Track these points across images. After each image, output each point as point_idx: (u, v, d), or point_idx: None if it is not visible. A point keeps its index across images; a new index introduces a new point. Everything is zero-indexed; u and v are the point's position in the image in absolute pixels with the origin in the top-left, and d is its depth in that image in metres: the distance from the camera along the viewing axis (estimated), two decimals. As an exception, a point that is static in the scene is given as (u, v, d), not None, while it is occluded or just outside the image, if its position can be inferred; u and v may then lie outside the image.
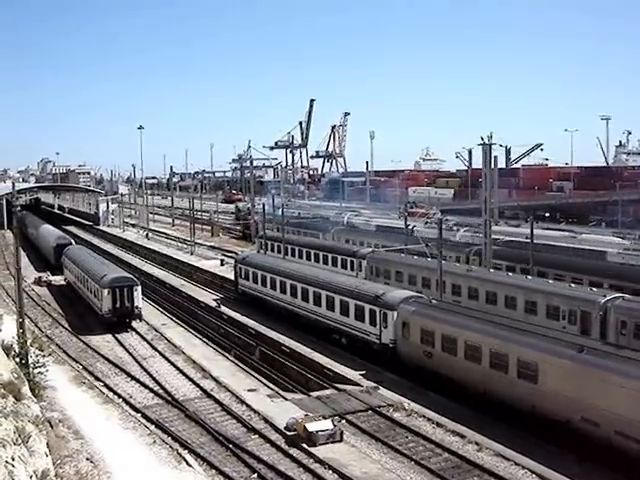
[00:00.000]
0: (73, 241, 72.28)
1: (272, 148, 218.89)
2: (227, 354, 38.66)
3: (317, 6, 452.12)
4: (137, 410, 28.59)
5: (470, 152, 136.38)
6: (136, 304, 44.34)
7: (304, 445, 24.18)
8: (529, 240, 45.33)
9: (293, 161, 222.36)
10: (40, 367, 26.46)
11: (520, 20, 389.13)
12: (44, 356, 27.31)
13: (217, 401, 29.74)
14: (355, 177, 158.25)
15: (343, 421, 26.73)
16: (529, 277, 38.64)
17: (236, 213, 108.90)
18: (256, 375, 34.33)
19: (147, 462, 22.44)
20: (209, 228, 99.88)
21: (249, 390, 31.12)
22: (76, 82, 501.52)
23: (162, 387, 32.11)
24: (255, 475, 22.44)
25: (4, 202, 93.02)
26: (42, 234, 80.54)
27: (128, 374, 34.37)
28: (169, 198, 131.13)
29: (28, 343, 27.09)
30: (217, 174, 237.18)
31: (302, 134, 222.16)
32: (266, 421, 26.87)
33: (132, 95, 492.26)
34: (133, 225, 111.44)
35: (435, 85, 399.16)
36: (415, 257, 46.98)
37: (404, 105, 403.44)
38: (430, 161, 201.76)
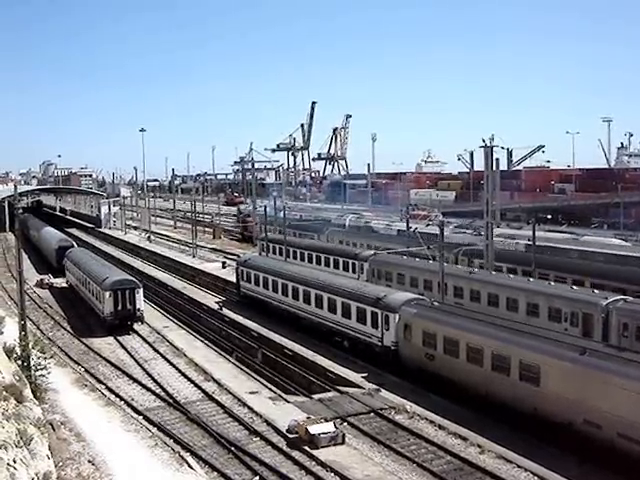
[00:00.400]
0: (75, 244, 72.33)
1: (274, 150, 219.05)
2: (229, 357, 38.65)
3: (319, 9, 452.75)
4: (139, 412, 28.59)
5: (472, 154, 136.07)
6: (138, 307, 44.32)
7: (306, 448, 24.16)
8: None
9: (295, 163, 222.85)
10: (42, 370, 26.46)
11: (521, 22, 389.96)
12: (46, 358, 27.30)
13: (219, 404, 29.72)
14: (357, 179, 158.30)
15: (345, 424, 26.70)
16: (531, 279, 38.60)
17: (238, 216, 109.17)
18: (258, 378, 34.31)
19: (149, 464, 22.41)
20: (211, 231, 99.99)
21: (251, 393, 31.11)
22: (78, 85, 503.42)
23: (164, 390, 32.10)
24: (257, 478, 22.41)
25: (6, 204, 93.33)
26: (44, 236, 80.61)
27: (130, 377, 34.37)
28: (171, 200, 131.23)
29: (30, 345, 27.09)
30: (219, 176, 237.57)
31: (304, 136, 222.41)
32: (268, 424, 26.85)
33: (134, 98, 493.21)
34: (135, 228, 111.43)
35: (437, 87, 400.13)
36: (417, 259, 47.00)
37: (406, 107, 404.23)
38: (432, 163, 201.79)
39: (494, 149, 48.29)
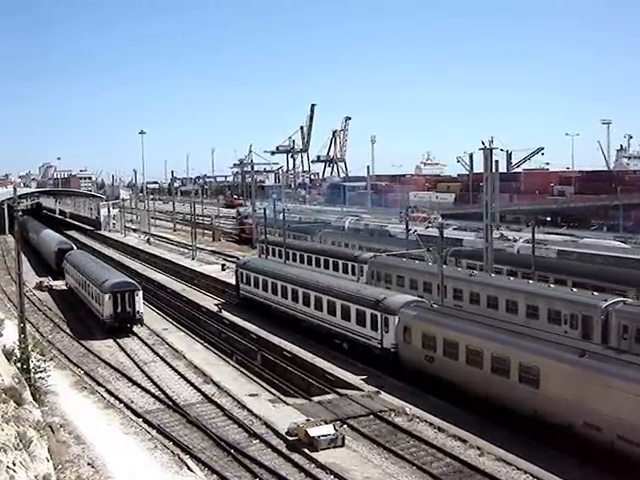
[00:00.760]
0: (74, 246, 72.32)
1: (273, 153, 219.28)
2: (229, 359, 38.64)
3: (319, 15, 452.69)
4: (138, 415, 28.57)
5: (471, 156, 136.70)
6: (137, 309, 44.29)
7: (305, 450, 24.14)
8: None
9: (294, 166, 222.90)
10: (41, 372, 26.45)
11: (520, 27, 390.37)
12: (45, 361, 27.28)
13: (218, 406, 29.70)
14: (356, 182, 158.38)
15: (345, 426, 26.69)
16: (530, 281, 38.61)
17: (237, 218, 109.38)
18: (257, 380, 34.32)
19: (148, 467, 22.40)
20: (210, 233, 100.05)
21: (250, 395, 31.10)
22: (77, 87, 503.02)
23: (163, 392, 32.08)
24: (256, 480, 22.43)
25: (5, 207, 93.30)
26: (43, 239, 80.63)
27: (129, 379, 34.36)
28: (170, 203, 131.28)
29: (29, 348, 27.07)
30: (218, 179, 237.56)
31: (303, 139, 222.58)
32: (267, 426, 26.84)
33: (133, 100, 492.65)
34: (134, 230, 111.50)
35: (436, 91, 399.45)
36: (416, 261, 47.02)
37: (405, 110, 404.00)
38: (431, 165, 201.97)
39: (493, 151, 48.26)
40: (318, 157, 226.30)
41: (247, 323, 44.59)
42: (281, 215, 66.80)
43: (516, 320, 32.92)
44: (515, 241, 54.86)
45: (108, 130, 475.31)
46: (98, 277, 47.49)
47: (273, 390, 32.51)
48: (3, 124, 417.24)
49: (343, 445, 24.52)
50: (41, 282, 62.96)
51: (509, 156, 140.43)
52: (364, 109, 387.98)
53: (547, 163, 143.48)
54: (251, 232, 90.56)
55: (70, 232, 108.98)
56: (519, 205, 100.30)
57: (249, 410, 28.86)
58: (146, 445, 24.40)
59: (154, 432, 26.18)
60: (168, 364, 37.05)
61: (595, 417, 22.27)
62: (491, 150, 47.74)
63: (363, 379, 32.20)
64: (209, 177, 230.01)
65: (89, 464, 21.64)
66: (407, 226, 58.99)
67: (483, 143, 47.63)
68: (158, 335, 43.85)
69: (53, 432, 22.93)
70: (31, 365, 26.23)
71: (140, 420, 27.75)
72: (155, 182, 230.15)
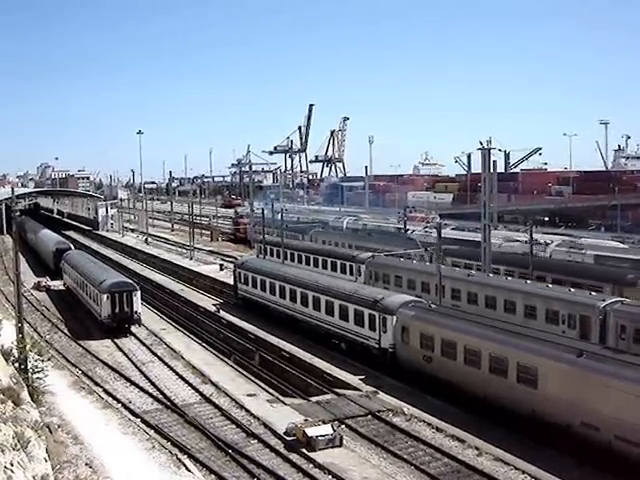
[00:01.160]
0: (72, 246, 72.27)
1: (271, 153, 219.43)
2: (227, 359, 38.63)
3: (317, 17, 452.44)
4: (136, 415, 28.55)
5: (469, 157, 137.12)
6: (135, 309, 44.26)
7: (304, 450, 24.13)
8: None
9: (292, 166, 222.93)
10: (39, 372, 26.45)
11: (518, 28, 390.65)
12: (43, 361, 27.29)
13: (216, 406, 29.69)
14: (354, 182, 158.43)
15: (343, 426, 26.68)
16: (528, 282, 38.64)
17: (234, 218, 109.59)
18: (256, 380, 34.31)
19: (146, 467, 22.39)
20: (208, 233, 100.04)
21: (248, 395, 31.10)
22: (75, 88, 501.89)
23: (161, 392, 32.06)
24: (254, 480, 22.43)
25: (3, 207, 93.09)
26: (41, 239, 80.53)
27: (127, 379, 34.34)
28: (168, 203, 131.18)
29: (27, 348, 27.07)
30: (216, 179, 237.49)
31: (301, 139, 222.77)
32: (266, 426, 26.83)
33: (131, 100, 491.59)
34: (132, 230, 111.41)
35: (434, 91, 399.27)
36: (414, 262, 47.05)
37: (403, 110, 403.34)
38: (429, 166, 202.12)
39: (491, 151, 48.25)
40: (316, 157, 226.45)
41: (245, 323, 44.57)
42: (278, 215, 66.88)
43: (514, 320, 32.94)
44: (547, 245, 52.22)
45: (106, 130, 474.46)
46: (96, 277, 47.45)
47: (271, 390, 32.51)
48: (1, 124, 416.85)
49: (341, 445, 24.52)
50: (39, 282, 62.87)
51: (507, 156, 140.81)
52: (362, 109, 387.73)
53: (545, 163, 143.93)
54: (246, 231, 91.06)
55: (68, 232, 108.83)
56: (517, 205, 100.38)
57: (247, 410, 28.85)
58: (144, 445, 24.39)
59: (152, 432, 26.16)
60: (166, 364, 37.03)
61: (593, 417, 22.29)
62: (489, 150, 47.72)
63: (361, 379, 32.20)
64: (207, 177, 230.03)
65: (87, 464, 21.63)
66: (405, 226, 59.00)
67: (481, 143, 47.64)
68: (156, 335, 43.82)
69: (51, 432, 22.92)
70: (29, 365, 26.23)
71: (138, 420, 27.72)
72: (153, 182, 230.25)
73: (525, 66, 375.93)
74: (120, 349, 40.51)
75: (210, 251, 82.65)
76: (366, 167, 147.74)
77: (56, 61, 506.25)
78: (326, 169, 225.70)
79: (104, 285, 44.51)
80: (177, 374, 35.05)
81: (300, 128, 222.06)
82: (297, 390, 32.71)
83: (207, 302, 53.08)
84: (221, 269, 65.45)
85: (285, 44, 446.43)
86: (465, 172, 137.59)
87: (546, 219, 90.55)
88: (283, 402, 30.17)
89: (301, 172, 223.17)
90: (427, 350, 30.34)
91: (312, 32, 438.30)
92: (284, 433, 25.63)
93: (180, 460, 23.10)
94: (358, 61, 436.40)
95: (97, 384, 33.22)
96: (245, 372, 35.81)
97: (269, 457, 24.10)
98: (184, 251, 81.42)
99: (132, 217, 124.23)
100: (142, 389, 32.68)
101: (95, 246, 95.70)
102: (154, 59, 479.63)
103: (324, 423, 25.63)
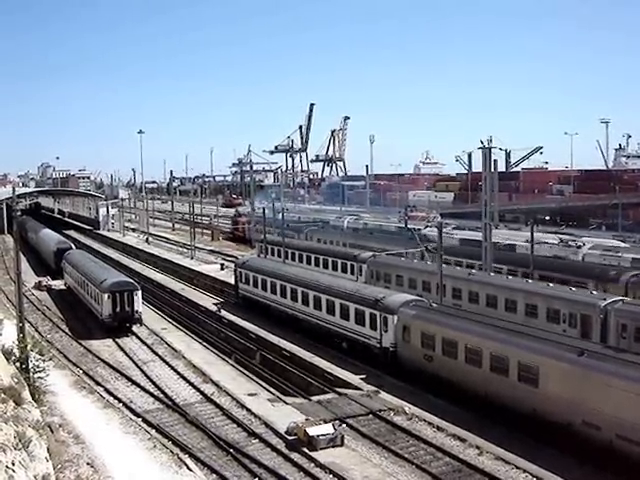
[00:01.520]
0: (73, 245, 72.27)
1: (272, 152, 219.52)
2: (227, 358, 38.62)
3: (319, 16, 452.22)
4: (138, 415, 28.56)
5: (470, 156, 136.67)
6: (136, 308, 44.27)
7: (305, 449, 24.14)
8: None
9: (293, 165, 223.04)
10: (40, 372, 26.38)
11: (519, 28, 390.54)
12: (44, 361, 27.21)
13: (218, 405, 29.70)
14: (355, 181, 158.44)
15: (344, 425, 26.68)
16: (529, 281, 38.64)
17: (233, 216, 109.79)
18: (257, 379, 34.31)
19: (148, 467, 22.39)
20: (209, 232, 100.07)
21: (250, 394, 31.09)
22: (76, 87, 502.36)
23: (162, 392, 32.07)
24: (256, 479, 22.41)
25: (4, 206, 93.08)
26: (42, 238, 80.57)
27: (128, 379, 34.35)
28: (169, 202, 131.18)
29: (28, 348, 27.00)
30: (217, 178, 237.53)
31: (302, 138, 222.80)
32: (267, 425, 26.84)
33: (132, 100, 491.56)
34: (133, 229, 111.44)
35: (434, 89, 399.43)
36: (415, 261, 47.03)
37: (404, 109, 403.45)
38: (430, 165, 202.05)
39: (492, 150, 48.24)
40: (317, 156, 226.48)
41: (246, 322, 44.58)
42: (279, 214, 66.88)
43: (515, 319, 32.94)
44: (579, 247, 50.03)
45: (107, 130, 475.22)
46: (97, 277, 47.47)
47: (272, 389, 32.50)
48: (2, 124, 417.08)
49: (342, 444, 24.52)
50: (40, 282, 62.90)
51: (508, 155, 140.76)
52: (363, 109, 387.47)
53: (546, 162, 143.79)
54: (244, 230, 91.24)
55: (69, 232, 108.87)
56: (518, 204, 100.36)
57: (248, 409, 28.86)
58: (145, 445, 24.39)
59: (153, 432, 26.18)
60: (167, 363, 37.04)
61: (594, 416, 22.28)
62: (490, 149, 47.71)
63: (362, 378, 32.20)
64: (208, 177, 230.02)
65: (88, 464, 21.61)
66: (406, 225, 59.00)
67: (482, 142, 47.65)
68: (157, 335, 43.84)
69: (52, 432, 22.90)
70: (30, 365, 26.17)
71: (139, 420, 27.75)
72: (154, 182, 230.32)
73: (525, 65, 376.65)
74: (121, 348, 40.52)
75: (211, 250, 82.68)
76: (367, 166, 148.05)
77: (55, 61, 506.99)
78: (327, 168, 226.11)
79: (105, 284, 44.52)
80: (178, 373, 35.06)
81: (301, 127, 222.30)
82: (298, 389, 32.71)
83: (208, 301, 53.09)
84: (222, 269, 65.47)
85: (285, 44, 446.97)
86: (466, 171, 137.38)
87: (547, 218, 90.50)
88: (284, 401, 30.18)
89: (302, 171, 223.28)
90: (428, 349, 30.34)
91: (312, 32, 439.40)
92: (285, 432, 25.64)
93: (181, 459, 23.11)
94: (358, 61, 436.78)
95: (98, 383, 33.24)
96: (246, 371, 35.79)
97: (270, 456, 24.11)
98: (185, 250, 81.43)
99: (133, 217, 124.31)
100: (143, 388, 32.69)
101: (96, 246, 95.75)
102: (155, 59, 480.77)
103: (325, 422, 25.65)
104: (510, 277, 40.86)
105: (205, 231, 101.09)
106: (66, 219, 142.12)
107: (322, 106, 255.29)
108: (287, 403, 29.84)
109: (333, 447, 24.23)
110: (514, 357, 25.76)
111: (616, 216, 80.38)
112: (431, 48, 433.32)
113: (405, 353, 32.06)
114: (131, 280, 48.07)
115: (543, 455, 22.76)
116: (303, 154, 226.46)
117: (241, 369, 36.22)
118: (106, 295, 43.59)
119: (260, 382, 33.76)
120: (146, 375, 34.95)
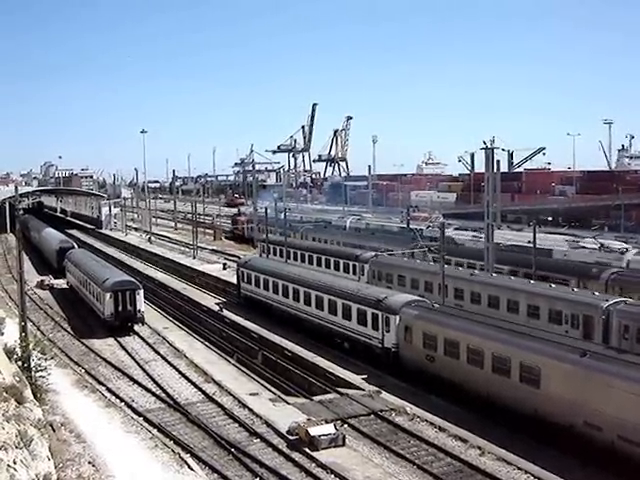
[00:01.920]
0: (75, 245, 72.35)
1: (274, 152, 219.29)
2: (229, 358, 38.64)
3: (321, 18, 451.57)
4: (139, 414, 28.57)
5: (472, 156, 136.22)
6: (138, 308, 44.28)
7: (306, 449, 24.13)
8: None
9: (295, 165, 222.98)
10: (42, 371, 26.39)
11: (520, 29, 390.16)
12: (46, 359, 27.21)
13: (219, 405, 29.71)
14: (357, 181, 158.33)
15: (345, 425, 26.68)
16: (532, 281, 38.60)
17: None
18: (258, 379, 34.32)
19: (149, 466, 22.39)
20: (211, 232, 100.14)
21: (251, 394, 31.09)
22: (78, 87, 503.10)
23: (164, 391, 32.09)
24: (257, 479, 22.42)
25: (7, 205, 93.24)
26: (45, 237, 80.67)
27: (130, 378, 34.37)
28: (171, 202, 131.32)
29: (30, 347, 27.01)
30: (219, 178, 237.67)
31: (305, 138, 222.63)
32: (268, 425, 26.83)
33: (135, 99, 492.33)
34: (136, 229, 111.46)
35: (437, 90, 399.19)
36: (417, 261, 47.01)
37: (406, 110, 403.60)
38: (432, 165, 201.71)
39: (495, 151, 48.31)
40: (319, 156, 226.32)
41: (248, 322, 44.59)
42: (281, 214, 66.92)
43: (517, 320, 32.91)
44: (622, 253, 47.16)
45: (110, 129, 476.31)
46: (99, 276, 47.50)
47: (274, 389, 32.51)
48: (4, 123, 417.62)
49: (344, 444, 24.51)
50: (42, 281, 62.98)
51: (510, 156, 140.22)
52: (365, 109, 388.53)
53: (548, 163, 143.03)
54: (244, 229, 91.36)
55: (71, 231, 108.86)
56: (520, 205, 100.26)
57: (250, 409, 28.85)
58: (147, 444, 24.40)
59: (155, 431, 26.17)
60: (169, 363, 37.06)
61: (596, 417, 22.25)
62: (492, 150, 47.77)
63: (364, 378, 32.18)
64: (210, 176, 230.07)
65: (90, 463, 21.62)
66: (408, 225, 58.98)
67: (484, 143, 47.77)
68: (159, 334, 43.85)
69: (54, 431, 22.93)
70: (32, 364, 26.18)
71: (141, 419, 27.75)
72: (156, 181, 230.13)
73: (525, 67, 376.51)
74: (123, 348, 40.54)
75: (213, 250, 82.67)
76: (369, 166, 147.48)
77: (55, 61, 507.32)
78: (329, 168, 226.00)
79: (107, 284, 44.55)
80: (180, 373, 35.08)
81: (303, 127, 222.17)
82: (300, 389, 32.72)
83: (210, 301, 53.09)
84: (224, 268, 65.44)
85: (287, 44, 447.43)
86: (468, 172, 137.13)
87: (549, 219, 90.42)
88: (286, 401, 30.17)
89: (304, 171, 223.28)
90: (430, 350, 30.32)
91: (314, 33, 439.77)
92: (287, 432, 25.63)
93: (183, 459, 23.12)
94: (360, 62, 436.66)
95: (100, 383, 33.25)
96: (248, 371, 35.80)
97: (272, 456, 24.10)
98: (187, 250, 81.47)
99: (135, 216, 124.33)
100: (145, 388, 32.71)
101: (98, 245, 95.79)
102: (157, 58, 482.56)
103: (327, 422, 25.64)
104: (512, 278, 40.81)
105: (207, 231, 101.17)
106: (68, 218, 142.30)
107: (325, 106, 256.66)
108: (289, 403, 29.83)
109: (334, 447, 24.22)
110: (516, 358, 25.73)
111: (619, 217, 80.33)
112: (432, 49, 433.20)
113: (407, 353, 32.05)
114: (133, 279, 48.07)
115: (544, 456, 22.74)
116: (306, 154, 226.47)
117: (243, 369, 36.22)
118: (108, 294, 43.61)
119: (262, 382, 33.77)
120: (148, 374, 34.97)
